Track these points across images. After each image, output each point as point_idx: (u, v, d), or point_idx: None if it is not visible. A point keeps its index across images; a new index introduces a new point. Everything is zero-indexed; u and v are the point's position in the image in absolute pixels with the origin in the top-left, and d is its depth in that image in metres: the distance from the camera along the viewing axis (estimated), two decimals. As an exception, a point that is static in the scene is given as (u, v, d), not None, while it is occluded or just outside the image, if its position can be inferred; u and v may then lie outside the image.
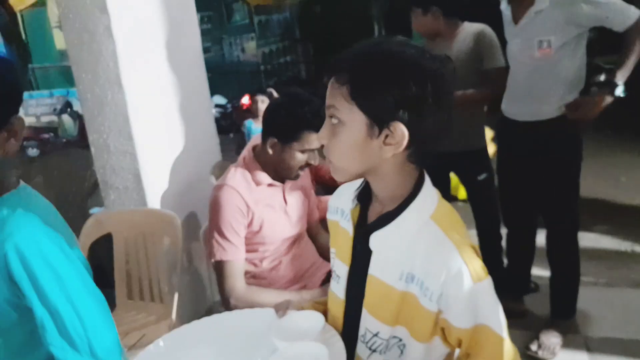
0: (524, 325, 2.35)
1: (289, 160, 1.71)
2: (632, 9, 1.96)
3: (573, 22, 1.99)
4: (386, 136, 0.86)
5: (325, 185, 2.31)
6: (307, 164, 1.74)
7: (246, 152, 1.83)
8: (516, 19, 2.15)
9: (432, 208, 0.92)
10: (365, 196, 0.99)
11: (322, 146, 0.93)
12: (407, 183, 0.92)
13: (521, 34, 2.12)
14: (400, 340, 0.91)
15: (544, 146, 2.13)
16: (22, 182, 1.02)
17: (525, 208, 2.37)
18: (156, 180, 2.31)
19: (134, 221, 2.05)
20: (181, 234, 1.92)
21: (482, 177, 2.48)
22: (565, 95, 2.08)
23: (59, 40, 5.01)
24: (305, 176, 1.93)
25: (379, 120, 0.85)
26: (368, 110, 0.85)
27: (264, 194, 1.76)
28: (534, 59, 2.09)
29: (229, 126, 5.33)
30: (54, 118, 4.25)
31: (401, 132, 0.84)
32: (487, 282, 0.87)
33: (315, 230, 2.00)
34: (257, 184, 1.75)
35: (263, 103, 3.90)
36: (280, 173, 1.77)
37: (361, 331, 0.96)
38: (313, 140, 1.66)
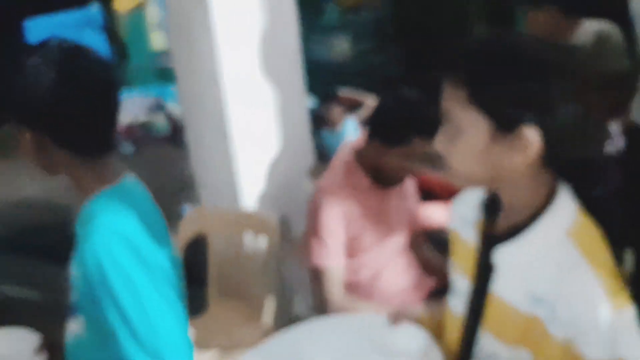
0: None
1: (394, 166, 1.62)
2: None
3: None
4: (513, 141, 0.76)
5: (431, 194, 2.17)
6: (414, 171, 1.64)
7: (347, 154, 1.75)
8: None
9: (570, 222, 0.80)
10: (492, 206, 0.89)
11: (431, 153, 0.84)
12: (540, 192, 0.82)
13: None
14: None
15: None
16: (126, 175, 1.01)
17: None
18: (250, 179, 2.29)
19: (230, 220, 2.05)
20: (278, 234, 1.89)
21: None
22: None
23: (155, 41, 5.23)
24: (409, 182, 1.82)
25: (503, 125, 0.76)
26: (490, 114, 0.76)
27: (365, 198, 1.68)
28: None
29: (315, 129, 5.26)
30: (148, 116, 4.40)
31: (530, 135, 0.75)
32: (630, 312, 0.75)
33: (419, 241, 1.88)
34: (359, 188, 1.67)
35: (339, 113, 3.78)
36: (384, 178, 1.68)
37: (479, 352, 0.88)
38: (421, 146, 1.53)
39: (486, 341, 0.86)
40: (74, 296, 0.97)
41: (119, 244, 0.89)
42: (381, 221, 1.71)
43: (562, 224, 0.80)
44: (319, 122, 3.85)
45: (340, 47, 5.75)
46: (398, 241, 1.76)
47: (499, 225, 0.87)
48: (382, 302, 1.68)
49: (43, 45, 0.95)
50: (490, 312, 0.85)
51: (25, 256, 3.96)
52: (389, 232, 1.73)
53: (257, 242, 1.95)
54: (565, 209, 0.81)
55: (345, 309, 1.54)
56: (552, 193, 0.82)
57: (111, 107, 0.97)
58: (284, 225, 2.27)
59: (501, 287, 0.84)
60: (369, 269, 1.71)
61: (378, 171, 1.66)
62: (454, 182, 0.86)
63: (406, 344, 0.95)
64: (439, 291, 1.59)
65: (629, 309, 0.76)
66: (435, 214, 1.90)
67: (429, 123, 1.01)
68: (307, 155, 2.57)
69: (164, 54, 4.43)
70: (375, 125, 1.66)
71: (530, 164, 0.78)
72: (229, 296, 2.01)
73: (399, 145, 1.56)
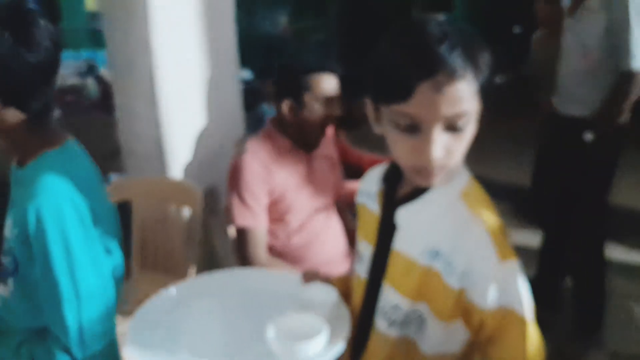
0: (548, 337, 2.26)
1: (308, 117, 1.65)
2: None
3: None
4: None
5: (352, 168, 2.23)
6: (329, 116, 1.67)
7: (268, 122, 1.78)
8: None
9: (463, 185, 0.89)
10: (393, 177, 0.95)
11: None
12: None
13: None
14: (420, 315, 0.87)
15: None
16: (69, 138, 1.01)
17: (561, 208, 2.28)
18: (178, 149, 2.26)
19: (154, 190, 2.02)
20: (201, 206, 1.88)
21: None
22: None
23: (89, 2, 4.98)
24: (331, 147, 1.88)
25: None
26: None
27: (286, 161, 1.70)
28: None
29: (253, 103, 5.21)
30: (79, 80, 4.20)
31: None
32: (514, 263, 0.82)
33: (343, 208, 1.93)
34: (279, 150, 1.70)
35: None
36: (304, 137, 1.71)
37: (381, 303, 0.93)
38: (325, 83, 1.62)
39: (388, 294, 0.91)
40: (7, 258, 0.95)
41: (63, 206, 0.88)
42: (306, 183, 1.74)
43: (456, 186, 0.88)
44: (259, 96, 3.82)
45: (280, 21, 5.71)
46: (324, 202, 1.80)
47: (401, 192, 0.93)
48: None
49: None
50: (392, 268, 0.91)
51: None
52: (314, 195, 1.75)
53: (181, 213, 1.94)
54: (461, 173, 0.89)
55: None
56: None
57: (56, 68, 0.96)
58: (212, 196, 2.27)
59: (402, 244, 0.91)
60: (297, 236, 1.74)
61: (296, 131, 1.69)
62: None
63: (319, 297, 1.00)
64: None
65: (514, 260, 0.82)
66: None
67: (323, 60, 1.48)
68: (237, 127, 2.56)
69: (99, 15, 4.23)
70: (276, 85, 1.72)
71: None
72: (152, 266, 2.00)
73: (303, 92, 1.62)
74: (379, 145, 1.04)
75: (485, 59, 0.78)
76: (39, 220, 0.87)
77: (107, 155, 2.81)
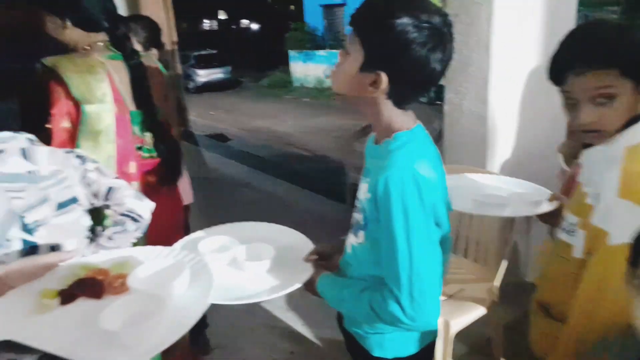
0: None
1: None
2: None
3: None
4: None
5: None
6: None
7: None
8: None
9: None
10: None
11: None
12: None
13: None
14: None
15: None
16: (418, 123, 1.12)
17: None
18: (499, 146, 2.35)
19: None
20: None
21: None
22: None
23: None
24: None
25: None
26: None
27: None
28: None
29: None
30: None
31: None
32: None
33: None
34: None
35: None
36: None
37: None
38: None
39: None
40: (360, 215, 1.15)
41: (407, 181, 1.01)
42: None
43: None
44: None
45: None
46: None
47: None
48: None
49: None
50: None
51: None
52: None
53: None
54: None
55: None
56: None
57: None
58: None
59: None
60: None
61: None
62: None
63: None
64: None
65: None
66: None
67: None
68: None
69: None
70: None
71: None
72: (461, 253, 2.15)
73: None
74: None
75: None
76: (386, 189, 1.02)
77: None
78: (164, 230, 1.58)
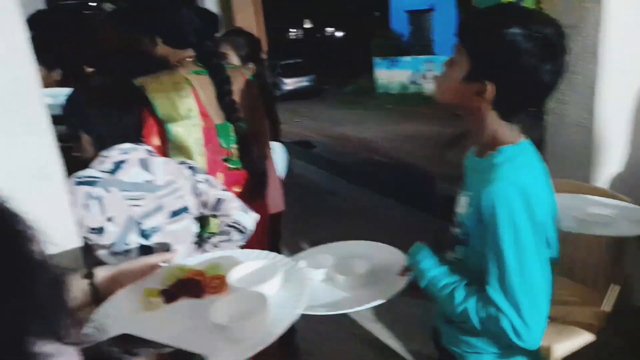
0: None
1: None
2: None
3: None
4: None
5: None
6: None
7: None
8: None
9: None
10: None
11: None
12: None
13: None
14: None
15: None
16: (523, 138, 1.08)
17: None
18: (607, 160, 2.20)
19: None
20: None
21: None
22: None
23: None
24: None
25: None
26: None
27: None
28: None
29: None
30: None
31: None
32: None
33: None
34: None
35: None
36: None
37: None
38: None
39: None
40: (458, 230, 1.12)
41: (515, 196, 0.98)
42: None
43: None
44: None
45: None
46: None
47: None
48: None
49: None
50: None
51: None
52: None
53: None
54: None
55: None
56: None
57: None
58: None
59: None
60: None
61: None
62: None
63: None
64: None
65: None
66: None
67: None
68: None
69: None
70: None
71: None
72: (567, 274, 2.01)
73: None
74: None
75: None
76: (491, 205, 0.98)
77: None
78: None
